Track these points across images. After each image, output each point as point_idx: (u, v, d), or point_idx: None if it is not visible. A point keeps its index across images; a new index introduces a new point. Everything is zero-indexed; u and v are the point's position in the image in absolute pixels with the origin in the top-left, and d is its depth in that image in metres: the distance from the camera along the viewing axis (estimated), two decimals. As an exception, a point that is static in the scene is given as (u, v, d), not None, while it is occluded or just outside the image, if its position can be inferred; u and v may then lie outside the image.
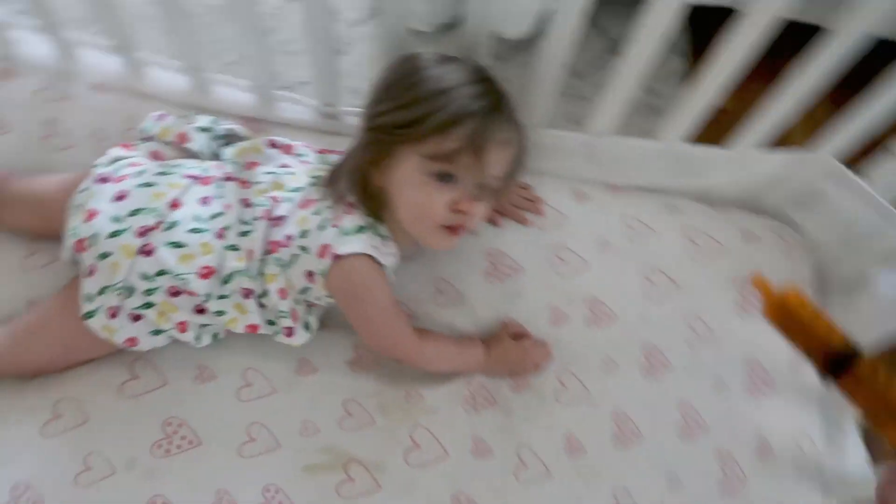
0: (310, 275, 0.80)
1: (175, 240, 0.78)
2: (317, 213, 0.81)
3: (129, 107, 0.98)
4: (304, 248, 0.80)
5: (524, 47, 1.42)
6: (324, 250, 0.78)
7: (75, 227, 0.79)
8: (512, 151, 0.80)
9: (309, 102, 1.02)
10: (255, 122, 1.01)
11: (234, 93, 1.02)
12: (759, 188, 1.05)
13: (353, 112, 1.01)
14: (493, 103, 0.76)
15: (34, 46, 1.01)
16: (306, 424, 0.85)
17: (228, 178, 0.85)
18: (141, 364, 0.85)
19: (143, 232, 0.78)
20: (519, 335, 0.93)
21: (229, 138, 0.94)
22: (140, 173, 0.82)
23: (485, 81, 0.77)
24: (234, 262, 0.80)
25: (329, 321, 0.89)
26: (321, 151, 0.93)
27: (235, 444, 0.83)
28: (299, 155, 0.92)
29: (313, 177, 0.86)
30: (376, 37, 0.85)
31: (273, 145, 0.91)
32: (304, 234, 0.80)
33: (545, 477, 0.87)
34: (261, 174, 0.86)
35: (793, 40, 0.95)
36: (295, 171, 0.88)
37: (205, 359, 0.86)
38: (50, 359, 0.82)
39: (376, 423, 0.87)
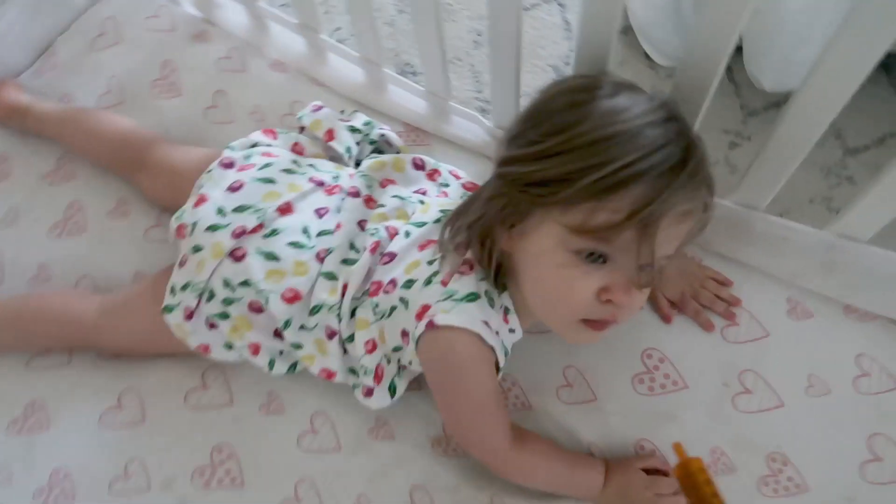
0: (405, 334, 0.65)
1: (270, 250, 0.69)
2: (431, 261, 0.65)
3: (298, 91, 0.93)
4: (404, 301, 0.65)
5: (778, 103, 1.11)
6: (423, 311, 0.62)
7: (184, 209, 0.73)
8: (692, 223, 0.57)
9: (483, 122, 0.87)
10: (420, 133, 0.89)
11: (408, 97, 0.91)
12: None
13: None
14: (680, 158, 0.54)
15: (233, 13, 0.99)
16: (361, 500, 0.71)
17: (354, 193, 0.73)
18: (213, 374, 0.77)
19: (240, 234, 0.69)
20: (655, 472, 0.69)
21: (381, 145, 0.83)
22: (266, 166, 0.74)
23: (672, 122, 0.55)
24: (325, 293, 0.68)
25: (423, 383, 0.73)
26: (467, 186, 0.77)
27: (278, 499, 0.71)
28: (442, 184, 0.77)
29: (443, 211, 0.70)
30: (577, 55, 0.66)
31: (417, 166, 0.77)
32: (409, 283, 0.65)
33: None
34: (389, 195, 0.73)
35: None
36: (427, 202, 0.73)
37: (278, 387, 0.76)
38: (130, 343, 0.77)
39: (441, 525, 0.70)
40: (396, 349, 0.67)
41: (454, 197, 0.75)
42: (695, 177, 0.55)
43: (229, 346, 0.73)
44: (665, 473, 0.69)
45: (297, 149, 0.79)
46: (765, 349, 0.72)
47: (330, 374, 0.71)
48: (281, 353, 0.73)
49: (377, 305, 0.67)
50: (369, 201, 0.73)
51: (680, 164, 0.54)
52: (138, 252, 0.84)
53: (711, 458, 0.70)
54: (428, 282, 0.64)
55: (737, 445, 0.70)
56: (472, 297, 0.62)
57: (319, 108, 0.82)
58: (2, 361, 0.80)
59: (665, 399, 0.72)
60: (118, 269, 0.83)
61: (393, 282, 0.66)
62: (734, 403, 0.71)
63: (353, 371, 0.71)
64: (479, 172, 0.85)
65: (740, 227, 0.75)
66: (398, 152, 0.82)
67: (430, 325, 0.61)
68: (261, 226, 0.69)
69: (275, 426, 0.75)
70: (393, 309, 0.66)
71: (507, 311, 0.64)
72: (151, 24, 0.99)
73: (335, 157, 0.80)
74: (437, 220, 0.69)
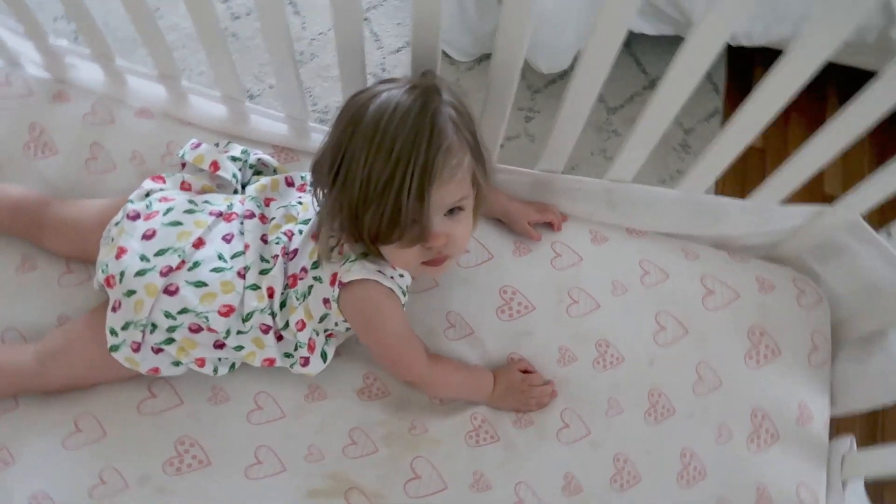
0: (326, 301, 0.83)
1: (198, 279, 0.82)
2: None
3: (169, 132, 1.03)
4: (317, 279, 0.83)
5: (558, 80, 1.43)
6: (333, 278, 0.81)
7: (106, 262, 0.83)
8: (465, 167, 0.75)
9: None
10: (289, 152, 1.05)
11: (270, 122, 1.06)
12: (779, 238, 1.04)
13: None
14: (428, 156, 0.70)
15: (87, 71, 1.05)
16: (312, 450, 0.89)
17: (249, 216, 0.88)
18: (159, 384, 0.90)
19: (167, 272, 0.81)
20: (526, 372, 0.95)
21: (259, 167, 0.98)
22: (168, 210, 0.86)
23: (420, 117, 0.71)
24: (254, 301, 0.83)
25: (342, 349, 0.92)
26: None
27: (243, 466, 0.87)
28: (311, 190, 0.95)
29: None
30: (412, 65, 0.85)
31: (289, 183, 0.95)
32: (315, 265, 0.83)
33: (542, 516, 0.89)
34: (274, 209, 0.90)
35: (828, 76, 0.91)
36: (305, 202, 0.91)
37: (219, 381, 0.90)
38: (74, 378, 0.87)
39: (379, 452, 0.90)
40: (323, 318, 0.84)
41: None
42: (448, 147, 0.71)
43: (177, 364, 0.86)
44: (534, 372, 0.95)
45: (185, 186, 0.92)
46: (581, 269, 1.00)
47: (271, 362, 0.87)
48: (220, 360, 0.88)
49: (297, 291, 0.84)
50: (262, 218, 0.89)
51: (432, 155, 0.70)
52: (56, 298, 0.93)
53: (559, 355, 0.96)
54: (328, 256, 0.81)
55: (575, 340, 0.97)
56: (362, 255, 0.81)
57: (198, 144, 0.95)
58: (-52, 420, 0.85)
59: (521, 319, 0.97)
60: (40, 317, 0.91)
61: (304, 269, 0.84)
62: (568, 312, 0.98)
63: (287, 355, 0.88)
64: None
65: (547, 187, 1.02)
66: (275, 171, 0.98)
67: (341, 285, 0.80)
68: (183, 262, 0.82)
69: (225, 412, 0.89)
70: (311, 287, 0.83)
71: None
72: (4, 91, 1.03)
73: (222, 185, 0.94)
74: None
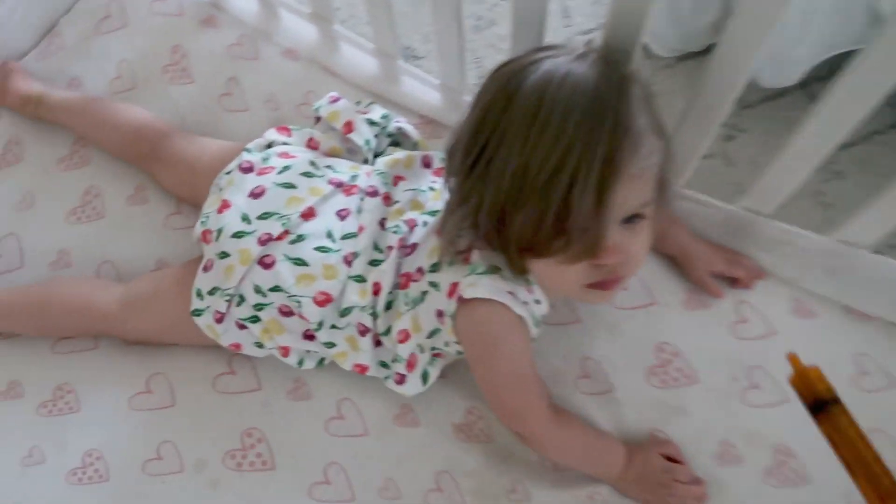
0: (440, 315, 0.68)
1: (298, 255, 0.70)
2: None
3: (311, 80, 0.93)
4: (434, 285, 0.68)
5: (772, 97, 1.16)
6: (453, 289, 0.66)
7: (208, 213, 0.74)
8: (654, 165, 0.59)
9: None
10: (436, 126, 0.90)
11: (423, 88, 0.92)
12: None
13: None
14: (612, 143, 0.53)
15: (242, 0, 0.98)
16: (388, 484, 0.74)
17: (372, 193, 0.74)
18: (240, 360, 0.79)
19: (266, 240, 0.70)
20: (671, 460, 0.74)
21: (398, 137, 0.84)
22: (285, 169, 0.74)
23: (602, 91, 0.54)
24: (355, 295, 0.70)
25: (448, 370, 0.76)
26: None
27: (308, 482, 0.74)
28: None
29: None
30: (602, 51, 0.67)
31: (426, 164, 0.79)
32: (434, 267, 0.68)
33: None
34: (401, 191, 0.75)
35: None
36: (438, 189, 0.76)
37: (304, 374, 0.78)
38: (153, 333, 0.79)
39: (466, 507, 0.74)
40: (433, 333, 0.70)
41: None
42: (632, 135, 0.55)
43: (260, 345, 0.75)
44: (681, 463, 0.73)
45: (312, 144, 0.80)
46: (771, 346, 0.77)
47: (363, 369, 0.74)
48: (308, 352, 0.75)
49: (408, 295, 0.70)
50: (387, 199, 0.75)
51: (611, 138, 0.53)
52: (160, 239, 0.85)
53: (720, 450, 0.75)
54: (451, 262, 0.66)
55: (745, 437, 0.74)
56: (494, 269, 0.64)
57: (336, 99, 0.82)
58: (26, 345, 0.80)
59: (677, 392, 0.76)
60: (140, 255, 0.84)
61: (420, 269, 0.69)
62: (743, 397, 0.75)
63: (383, 364, 0.74)
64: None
65: (745, 231, 0.79)
66: (415, 145, 0.84)
67: (460, 300, 0.64)
68: (286, 232, 0.71)
69: (302, 411, 0.77)
70: (424, 294, 0.69)
71: (528, 282, 0.66)
72: (157, 7, 0.98)
73: (352, 150, 0.81)
74: None
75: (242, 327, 0.73)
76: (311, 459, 0.75)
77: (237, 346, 0.75)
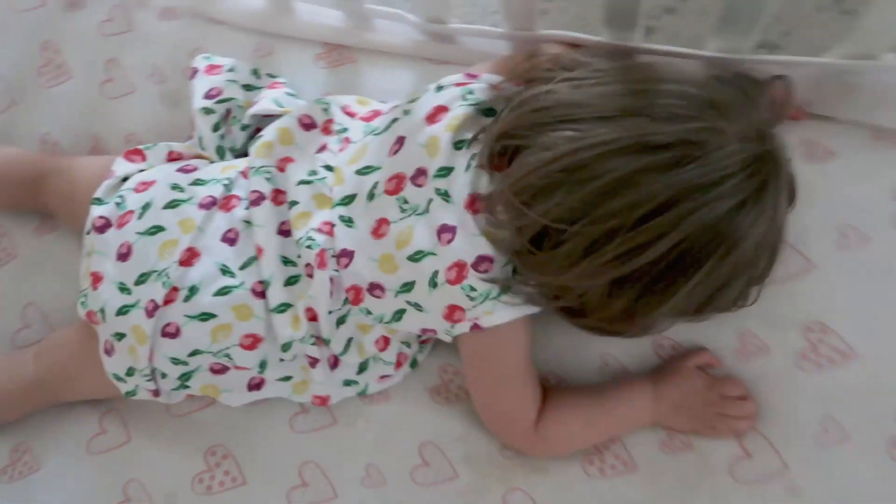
0: (428, 331, 0.60)
1: (200, 311, 0.60)
2: (417, 255, 0.56)
3: (196, 37, 0.80)
4: (415, 305, 0.58)
5: None
6: (451, 312, 0.56)
7: (84, 293, 0.64)
8: None
9: (409, 18, 0.74)
10: (343, 50, 0.77)
11: (318, 10, 0.78)
12: None
13: (469, 31, 0.72)
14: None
15: None
16: (370, 471, 0.66)
17: (256, 200, 0.62)
18: (186, 379, 0.71)
19: (154, 309, 0.60)
20: (707, 366, 0.62)
21: (259, 121, 0.70)
22: (145, 209, 0.63)
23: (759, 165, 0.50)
24: (287, 329, 0.60)
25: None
26: (367, 118, 0.66)
27: (284, 489, 0.67)
28: (340, 131, 0.65)
29: (360, 172, 0.61)
30: None
31: (307, 126, 0.65)
32: (407, 287, 0.57)
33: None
34: (294, 183, 0.62)
35: None
36: (336, 166, 0.63)
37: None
38: (93, 394, 0.70)
39: (460, 478, 0.65)
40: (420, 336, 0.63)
41: (358, 139, 0.64)
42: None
43: None
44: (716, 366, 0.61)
45: (173, 157, 0.69)
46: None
47: (324, 400, 0.65)
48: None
49: (369, 312, 0.60)
50: (278, 196, 0.62)
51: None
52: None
53: (739, 341, 0.61)
54: (433, 284, 0.56)
55: (766, 322, 0.61)
56: (506, 288, 0.55)
57: (213, 68, 0.72)
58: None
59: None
60: (64, 289, 0.74)
61: (378, 286, 0.58)
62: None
63: (348, 383, 0.65)
64: (414, 81, 0.74)
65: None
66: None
67: (477, 328, 0.57)
68: (174, 290, 0.60)
69: (265, 415, 0.69)
70: (401, 312, 0.59)
71: None
72: (17, 3, 0.86)
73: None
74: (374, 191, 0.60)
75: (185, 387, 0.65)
76: (283, 464, 0.68)
77: (190, 395, 0.68)
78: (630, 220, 0.49)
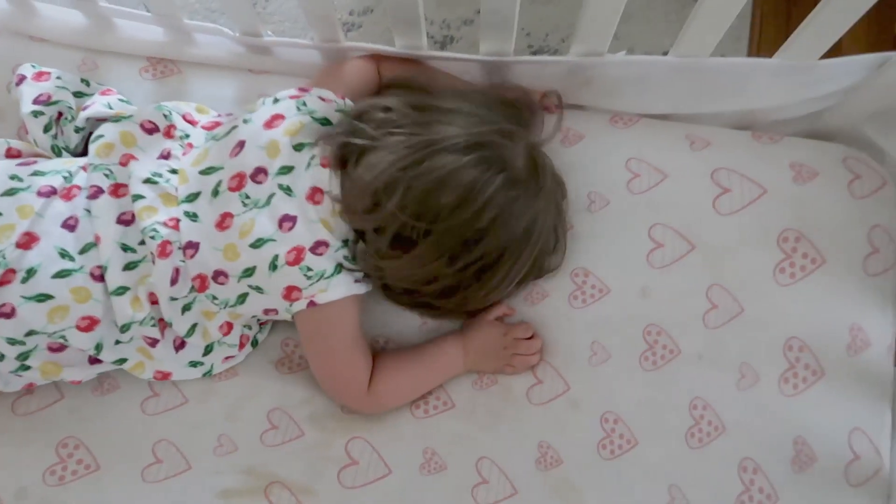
0: (270, 311, 0.68)
1: (38, 292, 0.63)
2: (258, 242, 0.64)
3: (17, 54, 0.82)
4: (256, 288, 0.66)
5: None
6: (290, 292, 0.65)
7: None
8: None
9: (227, 33, 0.82)
10: (167, 63, 0.83)
11: (140, 27, 0.83)
12: (825, 106, 0.76)
13: (284, 43, 0.81)
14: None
15: None
16: (222, 440, 0.73)
17: (95, 194, 0.66)
18: (32, 377, 0.74)
19: None
20: (504, 316, 0.75)
21: (92, 125, 0.73)
22: None
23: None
24: (127, 309, 0.65)
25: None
26: (208, 126, 0.74)
27: (139, 467, 0.72)
28: (182, 136, 0.72)
29: (203, 171, 0.69)
30: None
31: (149, 130, 0.71)
32: (248, 272, 0.65)
33: (511, 496, 0.71)
34: (139, 180, 0.67)
35: None
36: (179, 168, 0.69)
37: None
38: None
39: (306, 436, 0.73)
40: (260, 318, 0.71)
41: (200, 145, 0.72)
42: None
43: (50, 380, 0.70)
44: (509, 314, 0.75)
45: (11, 153, 0.72)
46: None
47: (165, 375, 0.70)
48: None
49: (215, 298, 0.67)
50: (118, 189, 0.67)
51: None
52: None
53: (527, 293, 0.75)
54: (273, 267, 0.64)
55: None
56: (338, 269, 0.66)
57: (41, 74, 0.74)
58: None
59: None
60: None
61: (223, 273, 0.66)
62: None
63: (193, 364, 0.71)
64: (238, 89, 0.82)
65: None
66: (117, 118, 0.72)
67: (312, 304, 0.66)
68: (11, 272, 0.63)
69: (114, 403, 0.73)
70: (244, 296, 0.67)
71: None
72: None
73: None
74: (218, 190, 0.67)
75: (21, 376, 0.68)
76: (137, 445, 0.72)
77: (29, 385, 0.70)
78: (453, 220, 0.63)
